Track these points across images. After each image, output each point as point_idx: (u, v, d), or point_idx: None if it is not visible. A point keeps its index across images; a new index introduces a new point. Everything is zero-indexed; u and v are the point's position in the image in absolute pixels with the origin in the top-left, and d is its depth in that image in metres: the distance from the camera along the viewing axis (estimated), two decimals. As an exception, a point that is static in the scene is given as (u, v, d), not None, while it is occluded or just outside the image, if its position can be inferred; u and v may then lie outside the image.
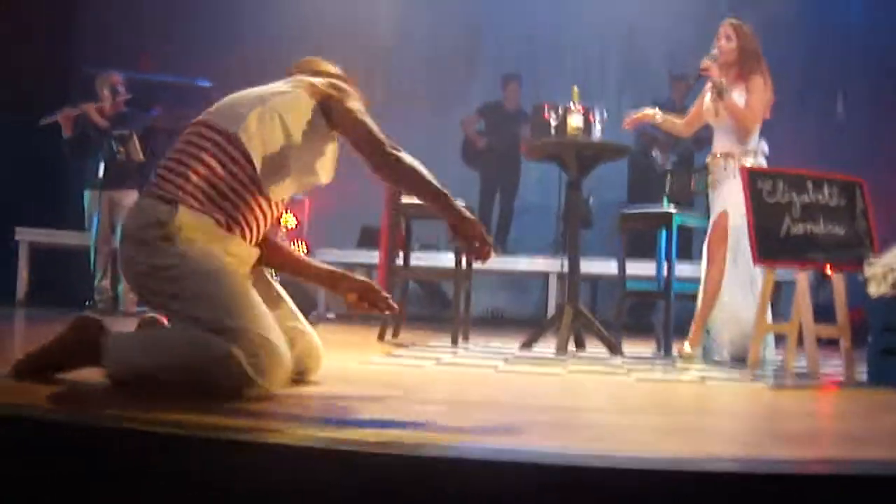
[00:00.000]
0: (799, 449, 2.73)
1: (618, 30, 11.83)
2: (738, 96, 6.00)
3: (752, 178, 5.50)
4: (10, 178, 9.67)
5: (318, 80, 3.54)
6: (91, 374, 3.17)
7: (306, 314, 8.64)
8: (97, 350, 3.13)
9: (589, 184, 7.24)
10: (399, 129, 10.74)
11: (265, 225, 3.47)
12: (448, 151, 10.99)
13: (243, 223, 3.32)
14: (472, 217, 3.42)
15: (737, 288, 5.98)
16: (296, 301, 7.97)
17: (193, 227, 3.18)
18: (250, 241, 3.42)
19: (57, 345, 3.20)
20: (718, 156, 6.11)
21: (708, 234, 6.13)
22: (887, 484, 2.25)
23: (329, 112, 3.48)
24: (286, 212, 9.59)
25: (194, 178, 3.22)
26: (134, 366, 3.09)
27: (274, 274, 8.28)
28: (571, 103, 6.38)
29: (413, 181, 3.54)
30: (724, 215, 5.99)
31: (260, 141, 3.29)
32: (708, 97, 6.13)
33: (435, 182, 3.50)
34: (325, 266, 3.98)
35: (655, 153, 8.92)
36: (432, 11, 12.04)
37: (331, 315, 9.89)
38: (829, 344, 5.59)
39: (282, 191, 3.41)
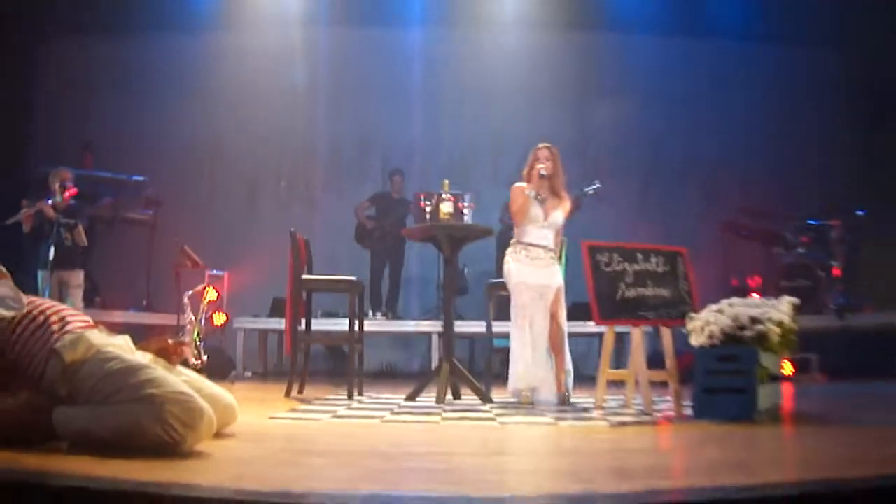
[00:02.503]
0: (632, 483, 2.68)
1: (486, 129, 11.97)
2: (558, 213, 6.24)
3: (591, 252, 5.53)
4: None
5: None
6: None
7: (227, 374, 8.45)
8: (49, 425, 3.11)
9: (465, 258, 7.25)
10: (307, 216, 10.76)
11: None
12: (345, 234, 10.98)
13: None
14: None
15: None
16: (217, 363, 7.80)
17: (79, 350, 3.25)
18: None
19: (7, 421, 3.14)
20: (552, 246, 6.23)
21: (552, 300, 6.10)
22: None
23: None
24: (208, 287, 9.40)
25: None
26: (89, 433, 3.05)
27: (200, 341, 8.13)
28: (443, 192, 6.36)
29: None
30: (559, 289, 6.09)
31: None
32: (535, 205, 6.16)
33: None
34: None
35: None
36: (333, 123, 12.12)
37: (248, 374, 9.68)
38: (663, 385, 5.59)
39: None
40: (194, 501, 2.26)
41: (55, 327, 3.35)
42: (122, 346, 3.43)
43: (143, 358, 3.42)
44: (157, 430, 2.98)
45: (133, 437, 2.99)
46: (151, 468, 2.68)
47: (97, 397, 3.13)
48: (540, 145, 6.33)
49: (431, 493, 2.39)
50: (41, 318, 3.39)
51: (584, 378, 8.90)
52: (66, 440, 3.09)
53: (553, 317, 6.04)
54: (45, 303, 3.53)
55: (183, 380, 3.38)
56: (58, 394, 3.24)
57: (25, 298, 3.47)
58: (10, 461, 2.72)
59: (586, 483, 2.63)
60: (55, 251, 8.34)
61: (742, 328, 4.77)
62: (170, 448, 2.98)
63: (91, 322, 3.54)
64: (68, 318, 3.44)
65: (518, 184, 6.31)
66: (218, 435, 3.42)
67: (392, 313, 10.65)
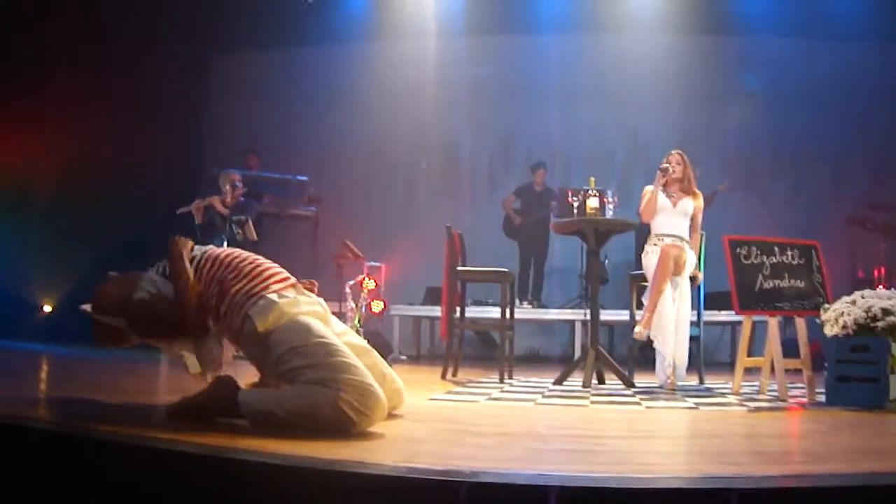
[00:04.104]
0: (773, 466, 2.74)
1: (622, 126, 11.95)
2: (687, 201, 6.33)
3: (732, 245, 5.55)
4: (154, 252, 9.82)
5: None
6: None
7: (385, 357, 8.67)
8: (235, 405, 3.25)
9: (606, 250, 7.33)
10: (457, 210, 10.95)
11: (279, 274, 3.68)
12: (494, 227, 11.17)
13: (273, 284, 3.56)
14: None
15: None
16: (375, 346, 8.02)
17: (270, 318, 3.40)
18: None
19: (200, 401, 3.33)
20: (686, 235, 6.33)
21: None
22: (845, 494, 2.26)
23: None
24: (367, 277, 9.69)
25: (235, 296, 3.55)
26: (270, 414, 3.18)
27: (360, 326, 8.39)
28: (589, 189, 6.47)
29: None
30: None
31: None
32: (662, 196, 6.31)
33: None
34: None
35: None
36: (477, 123, 12.31)
37: (403, 357, 9.93)
38: (794, 372, 5.56)
39: None
40: (372, 478, 2.33)
41: (257, 288, 3.50)
42: (315, 313, 3.55)
43: (336, 326, 3.62)
44: (330, 414, 3.09)
45: (308, 419, 3.11)
46: (330, 448, 2.76)
47: (282, 366, 3.28)
48: (672, 151, 6.49)
49: (595, 473, 2.46)
50: (247, 277, 3.57)
51: (714, 364, 8.85)
52: (248, 418, 3.22)
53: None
54: (252, 261, 3.71)
55: (357, 351, 3.51)
56: (249, 350, 3.48)
57: (228, 254, 3.75)
58: (198, 437, 2.84)
59: (734, 465, 2.70)
60: (228, 245, 8.69)
61: (875, 319, 4.72)
62: (343, 429, 3.08)
63: (292, 281, 3.66)
64: (272, 278, 3.60)
65: (647, 186, 6.43)
66: (387, 415, 3.47)
67: (537, 302, 10.78)
